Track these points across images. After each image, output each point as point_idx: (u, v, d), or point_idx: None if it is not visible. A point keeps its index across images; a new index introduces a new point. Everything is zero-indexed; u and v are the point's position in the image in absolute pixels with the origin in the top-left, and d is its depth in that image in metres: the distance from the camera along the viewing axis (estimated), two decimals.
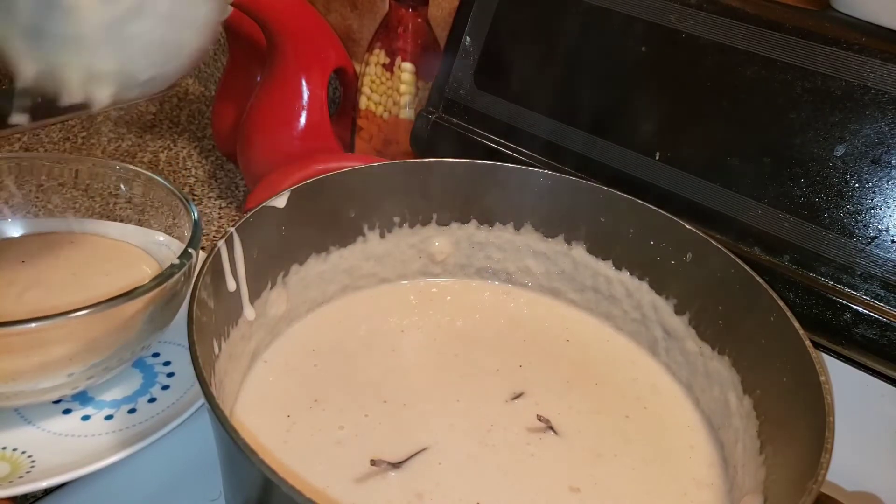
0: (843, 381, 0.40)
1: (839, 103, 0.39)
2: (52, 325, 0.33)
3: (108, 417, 0.39)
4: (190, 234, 0.40)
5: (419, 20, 0.62)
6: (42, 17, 0.19)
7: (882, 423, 0.40)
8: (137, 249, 0.46)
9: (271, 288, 0.41)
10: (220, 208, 0.65)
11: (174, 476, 0.38)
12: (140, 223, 0.46)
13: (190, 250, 0.38)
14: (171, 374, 0.41)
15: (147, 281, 0.36)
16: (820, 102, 0.40)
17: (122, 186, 0.46)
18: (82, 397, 0.40)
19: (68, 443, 0.37)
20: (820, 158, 0.40)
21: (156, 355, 0.43)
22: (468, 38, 0.53)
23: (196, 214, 0.42)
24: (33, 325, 0.33)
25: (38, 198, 0.47)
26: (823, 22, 0.41)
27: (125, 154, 0.72)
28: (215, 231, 0.61)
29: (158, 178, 0.45)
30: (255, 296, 0.39)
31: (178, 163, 0.72)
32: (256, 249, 0.38)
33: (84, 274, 0.43)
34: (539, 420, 0.34)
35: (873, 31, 0.40)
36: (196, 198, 0.66)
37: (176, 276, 0.37)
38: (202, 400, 0.38)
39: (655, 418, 0.41)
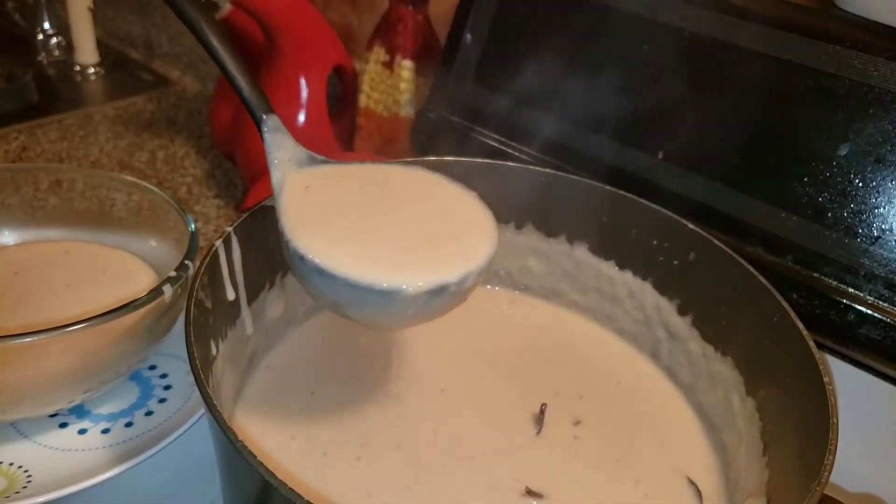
0: (847, 382, 0.40)
1: (843, 102, 0.39)
2: (47, 339, 0.33)
3: (105, 431, 0.38)
4: (187, 245, 0.40)
5: (419, 17, 0.62)
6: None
7: (886, 424, 0.40)
8: (134, 258, 0.46)
9: (269, 289, 0.40)
10: (218, 207, 0.65)
11: (172, 479, 0.38)
12: (136, 232, 0.46)
13: (186, 262, 0.38)
14: (167, 387, 0.41)
15: (144, 293, 0.36)
16: (824, 101, 0.40)
17: (117, 196, 0.46)
18: (79, 411, 0.39)
19: (65, 457, 0.37)
20: (824, 157, 0.40)
21: (152, 367, 0.43)
22: (469, 36, 0.53)
23: (193, 226, 0.41)
24: (28, 339, 0.32)
25: (31, 206, 0.46)
26: (827, 20, 0.41)
27: (123, 153, 0.72)
28: (213, 230, 0.61)
29: (155, 189, 0.45)
30: (252, 297, 0.39)
31: (175, 162, 0.71)
32: (254, 249, 0.38)
33: (80, 284, 0.43)
34: (527, 492, 0.35)
35: (878, 30, 0.40)
36: (194, 197, 0.66)
37: (172, 289, 0.37)
38: (199, 413, 0.38)
39: (655, 421, 0.41)
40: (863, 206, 0.39)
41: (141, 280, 0.44)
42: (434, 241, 0.33)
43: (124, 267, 0.45)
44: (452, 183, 0.36)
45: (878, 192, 0.39)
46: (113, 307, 0.35)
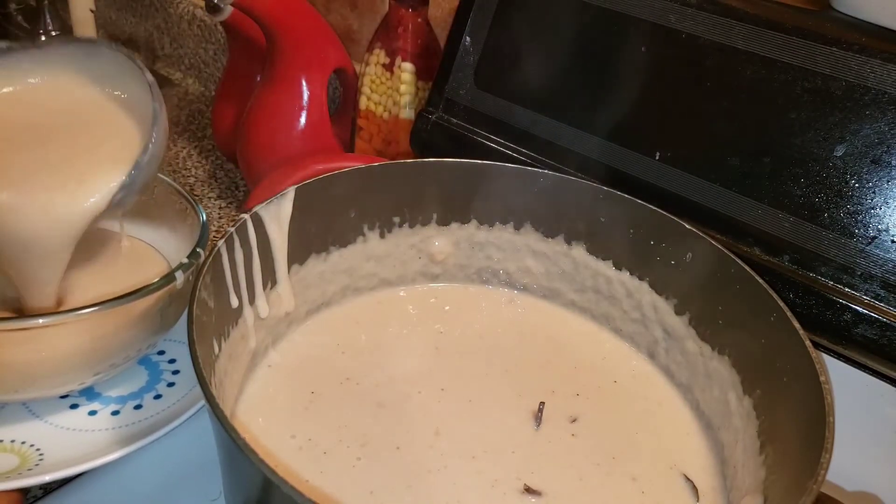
0: (843, 381, 0.40)
1: (839, 103, 0.39)
2: (60, 321, 0.33)
3: (115, 413, 0.39)
4: (198, 235, 0.41)
5: (419, 20, 0.62)
6: None
7: (882, 423, 0.40)
8: (146, 246, 0.46)
9: (271, 288, 0.41)
10: (221, 208, 0.65)
11: (175, 475, 0.38)
12: (148, 222, 0.47)
13: (198, 250, 0.39)
14: (176, 372, 0.42)
15: (155, 279, 0.36)
16: (820, 102, 0.40)
17: None
18: (89, 393, 0.40)
19: (76, 437, 0.37)
20: (820, 158, 0.40)
21: (161, 353, 0.43)
22: (468, 38, 0.53)
23: (204, 216, 0.42)
24: (41, 320, 0.33)
25: None
26: (823, 22, 0.41)
27: None
28: (215, 231, 0.61)
29: (167, 180, 0.45)
30: (254, 296, 0.39)
31: (178, 163, 0.72)
32: (256, 249, 0.38)
33: (94, 270, 0.43)
34: (526, 490, 0.35)
35: (873, 32, 0.40)
36: (196, 198, 0.66)
37: (185, 275, 0.37)
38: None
39: (652, 419, 0.41)
40: (859, 207, 0.39)
41: (153, 267, 0.45)
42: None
43: (138, 254, 0.45)
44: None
45: (874, 192, 0.39)
46: (126, 292, 0.35)
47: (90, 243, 0.45)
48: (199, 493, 0.38)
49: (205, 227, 0.41)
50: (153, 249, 0.46)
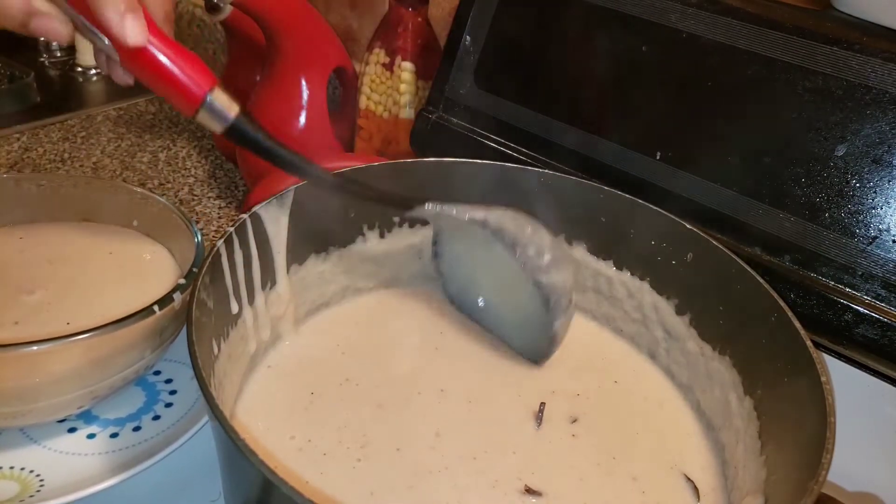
0: (844, 381, 0.40)
1: (840, 103, 0.39)
2: (55, 347, 0.33)
3: (114, 436, 0.39)
4: (193, 255, 0.41)
5: (419, 19, 0.62)
6: None
7: (883, 423, 0.40)
8: (170, 259, 0.46)
9: (271, 288, 0.40)
10: (220, 208, 0.65)
11: (175, 476, 0.38)
12: (159, 237, 0.47)
13: (195, 269, 0.39)
14: (173, 392, 0.42)
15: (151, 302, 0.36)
16: (821, 102, 0.40)
17: (128, 205, 0.47)
18: (86, 416, 0.40)
19: (75, 461, 0.37)
20: (821, 158, 0.40)
21: (157, 373, 0.43)
22: (468, 38, 0.53)
23: (199, 237, 0.42)
24: (34, 347, 0.33)
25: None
26: (824, 21, 0.41)
27: (124, 154, 0.72)
28: (214, 231, 0.61)
29: (162, 200, 0.45)
30: (254, 296, 0.39)
31: (177, 162, 0.72)
32: (256, 249, 0.38)
33: (121, 282, 0.43)
34: (526, 491, 0.35)
35: (874, 31, 0.40)
36: (196, 198, 0.66)
37: (182, 296, 0.37)
38: (207, 417, 0.38)
39: (652, 419, 0.41)
40: (860, 207, 0.39)
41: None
42: None
43: (162, 266, 0.45)
44: None
45: (875, 192, 0.39)
46: (124, 315, 0.35)
47: (116, 256, 0.45)
48: (199, 493, 0.38)
49: (199, 248, 0.41)
50: (174, 262, 0.46)
